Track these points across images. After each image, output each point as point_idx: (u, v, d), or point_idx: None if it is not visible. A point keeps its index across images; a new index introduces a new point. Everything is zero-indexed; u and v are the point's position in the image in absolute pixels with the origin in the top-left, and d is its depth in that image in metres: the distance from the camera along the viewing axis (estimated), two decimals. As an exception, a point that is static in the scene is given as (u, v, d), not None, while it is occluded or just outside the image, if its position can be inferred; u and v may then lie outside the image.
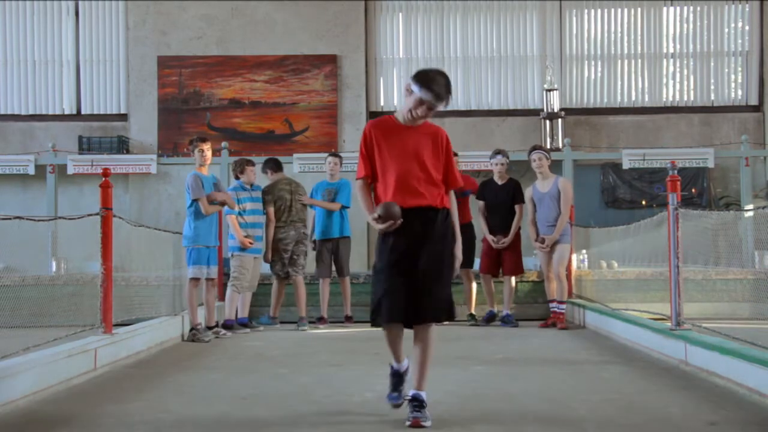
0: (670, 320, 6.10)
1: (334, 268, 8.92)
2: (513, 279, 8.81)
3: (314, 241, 8.96)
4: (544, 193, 8.58)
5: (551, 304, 8.56)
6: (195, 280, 7.66)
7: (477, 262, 9.01)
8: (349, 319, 8.88)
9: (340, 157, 9.16)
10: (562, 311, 8.47)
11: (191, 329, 7.71)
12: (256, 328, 8.50)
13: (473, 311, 8.91)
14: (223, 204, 7.89)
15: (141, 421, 4.09)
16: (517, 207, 8.72)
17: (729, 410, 4.19)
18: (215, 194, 7.77)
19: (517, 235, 8.76)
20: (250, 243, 8.39)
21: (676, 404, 4.38)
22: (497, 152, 8.90)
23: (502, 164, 8.84)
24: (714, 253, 7.54)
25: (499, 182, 8.85)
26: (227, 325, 8.22)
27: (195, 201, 7.62)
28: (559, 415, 4.08)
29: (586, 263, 9.51)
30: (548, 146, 12.11)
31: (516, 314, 8.89)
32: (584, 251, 9.53)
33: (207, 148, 7.83)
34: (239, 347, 7.16)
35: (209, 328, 7.88)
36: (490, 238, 8.75)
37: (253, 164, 8.69)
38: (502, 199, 8.75)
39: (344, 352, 6.70)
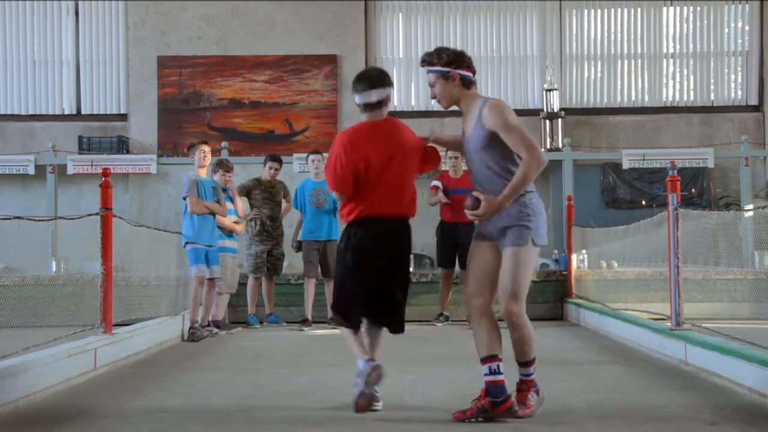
0: (670, 320, 6.10)
1: (320, 269, 8.82)
2: None
3: (298, 242, 8.91)
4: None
5: (521, 371, 4.09)
6: (200, 278, 7.66)
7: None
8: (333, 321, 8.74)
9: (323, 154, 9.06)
10: (531, 377, 4.08)
11: (190, 328, 7.72)
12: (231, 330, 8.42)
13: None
14: (211, 212, 7.81)
15: (141, 421, 4.09)
16: None
17: (729, 410, 4.19)
18: (208, 204, 7.74)
19: None
20: (239, 229, 8.55)
21: (676, 404, 4.39)
22: None
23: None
24: (714, 253, 7.55)
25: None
26: (218, 325, 8.20)
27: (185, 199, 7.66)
28: (559, 415, 4.08)
29: (586, 263, 9.51)
30: (548, 146, 12.11)
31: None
32: (584, 251, 9.52)
33: (208, 150, 7.91)
34: (239, 347, 7.16)
35: (203, 327, 7.90)
36: None
37: (226, 169, 8.46)
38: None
39: (344, 352, 6.63)
